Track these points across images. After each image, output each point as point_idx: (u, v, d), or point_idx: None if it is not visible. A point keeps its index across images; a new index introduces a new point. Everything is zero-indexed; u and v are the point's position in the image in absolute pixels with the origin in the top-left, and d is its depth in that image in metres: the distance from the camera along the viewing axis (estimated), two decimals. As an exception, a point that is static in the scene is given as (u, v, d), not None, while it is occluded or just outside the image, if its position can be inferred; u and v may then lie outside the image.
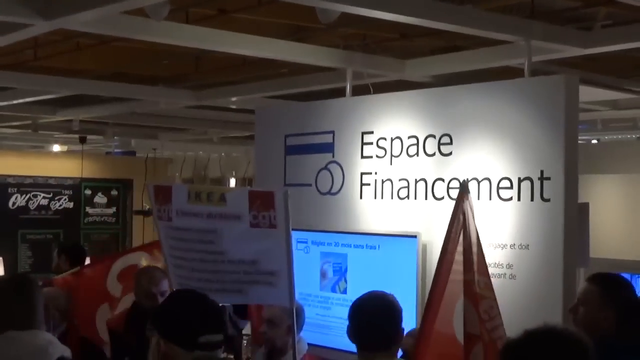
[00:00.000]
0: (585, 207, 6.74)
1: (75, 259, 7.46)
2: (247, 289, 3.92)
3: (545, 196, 4.62)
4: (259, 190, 4.01)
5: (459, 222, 3.89)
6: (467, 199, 3.93)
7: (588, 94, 6.74)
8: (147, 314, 3.14)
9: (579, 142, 10.34)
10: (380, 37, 6.09)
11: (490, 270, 4.80)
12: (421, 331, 3.88)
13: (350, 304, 3.56)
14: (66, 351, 3.58)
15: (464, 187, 4.04)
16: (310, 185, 5.92)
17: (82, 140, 12.07)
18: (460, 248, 3.86)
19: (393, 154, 5.42)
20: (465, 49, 5.81)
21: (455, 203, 4.05)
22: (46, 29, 4.73)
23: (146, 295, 4.97)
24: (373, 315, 3.46)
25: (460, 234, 3.89)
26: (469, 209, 3.88)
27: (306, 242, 5.77)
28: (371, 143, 5.55)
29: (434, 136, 5.18)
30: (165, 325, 2.82)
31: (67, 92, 7.89)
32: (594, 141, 10.77)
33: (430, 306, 3.94)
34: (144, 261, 5.85)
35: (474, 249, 3.83)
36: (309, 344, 5.43)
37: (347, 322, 3.53)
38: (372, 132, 5.56)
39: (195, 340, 2.73)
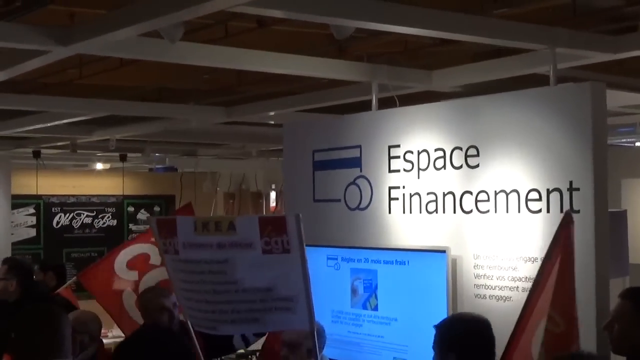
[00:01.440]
0: (622, 215, 6.60)
1: (61, 275, 8.24)
2: (263, 317, 3.83)
3: (575, 207, 4.49)
4: (269, 216, 3.94)
5: (559, 249, 3.89)
6: (571, 229, 3.92)
7: (624, 97, 6.59)
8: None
9: (620, 145, 10.20)
10: (422, 43, 6.03)
11: (520, 284, 4.72)
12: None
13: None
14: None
15: (567, 217, 4.00)
16: (339, 200, 5.86)
17: (123, 158, 12.18)
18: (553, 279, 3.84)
19: (420, 167, 5.34)
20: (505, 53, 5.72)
21: (560, 230, 4.00)
22: (64, 54, 4.74)
23: (160, 309, 5.00)
24: None
25: (557, 261, 3.86)
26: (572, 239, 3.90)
27: (336, 259, 5.71)
28: (398, 157, 5.48)
29: (460, 148, 5.08)
30: None
31: (100, 114, 7.95)
32: (638, 143, 10.52)
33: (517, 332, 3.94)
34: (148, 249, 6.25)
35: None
36: (340, 362, 5.38)
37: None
38: (398, 146, 5.48)
39: None
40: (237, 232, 3.75)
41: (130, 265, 6.56)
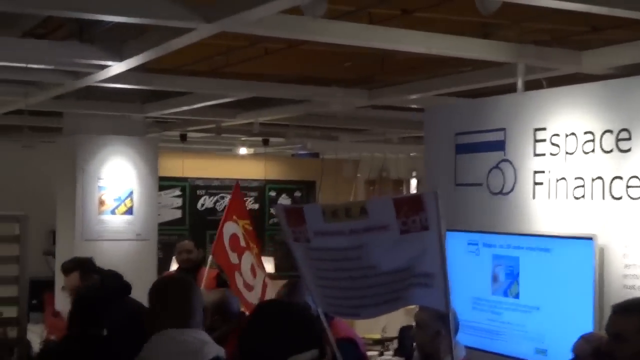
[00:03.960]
0: None
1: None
2: (405, 294, 3.73)
3: None
4: (403, 197, 3.81)
5: None
6: None
7: None
8: None
9: None
10: (569, 31, 5.79)
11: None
12: None
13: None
14: (221, 351, 3.57)
15: None
16: (481, 184, 5.71)
17: (265, 143, 12.34)
18: None
19: (567, 151, 5.12)
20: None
21: None
22: (209, 32, 4.78)
23: None
24: None
25: None
26: None
27: (477, 244, 5.57)
28: (544, 140, 5.27)
29: (611, 131, 4.84)
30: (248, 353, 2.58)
31: (244, 95, 8.06)
32: None
33: None
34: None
35: None
36: (479, 349, 5.23)
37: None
38: (544, 129, 5.27)
39: None
40: (370, 216, 3.65)
41: (231, 245, 6.84)
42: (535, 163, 5.32)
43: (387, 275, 3.75)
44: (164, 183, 11.96)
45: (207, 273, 7.31)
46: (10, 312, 5.19)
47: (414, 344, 4.72)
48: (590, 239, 4.82)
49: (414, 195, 3.72)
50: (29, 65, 5.86)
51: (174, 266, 9.86)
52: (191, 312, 3.54)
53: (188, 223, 13.16)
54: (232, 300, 5.20)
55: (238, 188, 7.97)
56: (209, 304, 4.87)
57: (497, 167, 5.59)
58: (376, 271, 3.76)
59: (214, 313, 4.88)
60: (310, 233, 3.84)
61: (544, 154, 5.27)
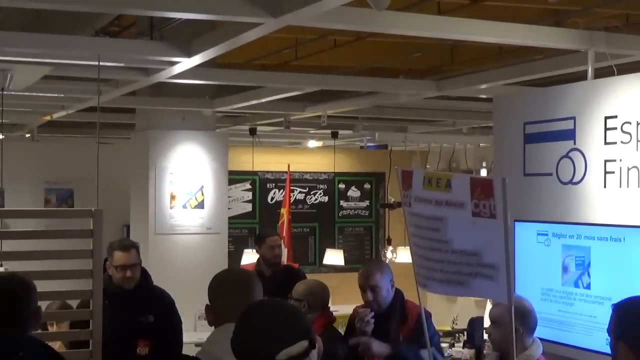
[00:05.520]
0: None
1: None
2: (468, 281, 3.77)
3: None
4: (479, 178, 3.86)
5: None
6: None
7: None
8: None
9: None
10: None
11: None
12: None
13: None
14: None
15: None
16: (550, 174, 5.64)
17: (334, 135, 12.37)
18: None
19: (639, 139, 5.03)
20: None
21: None
22: (275, 26, 4.83)
23: None
24: None
25: None
26: None
27: (547, 235, 5.51)
28: (615, 128, 5.19)
29: (683, 118, 4.75)
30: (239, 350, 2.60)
31: (313, 88, 8.10)
32: None
33: None
34: None
35: None
36: (549, 341, 5.18)
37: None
38: (616, 117, 5.19)
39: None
40: (452, 191, 3.72)
41: None
42: (606, 152, 5.24)
43: (457, 254, 3.83)
44: (234, 177, 12.07)
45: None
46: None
47: (485, 336, 4.72)
48: (662, 228, 4.74)
49: (487, 179, 3.77)
50: (102, 63, 6.00)
51: (245, 259, 9.97)
52: None
53: (258, 216, 13.27)
54: (318, 290, 5.24)
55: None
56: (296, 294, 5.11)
57: (567, 156, 5.53)
58: (448, 247, 3.87)
59: (301, 301, 5.02)
60: (412, 198, 3.97)
61: (615, 142, 5.19)
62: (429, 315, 4.81)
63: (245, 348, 2.54)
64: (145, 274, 5.80)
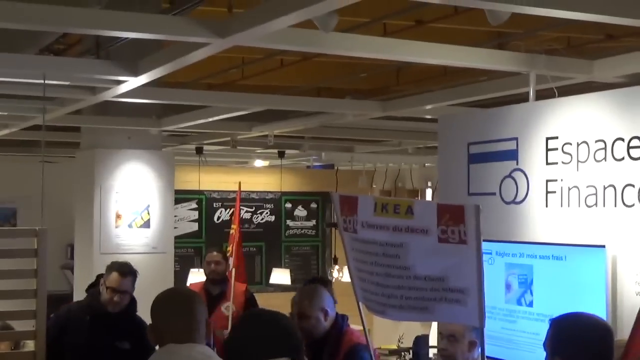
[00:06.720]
0: None
1: None
2: (433, 306, 3.72)
3: None
4: (448, 204, 3.76)
5: None
6: None
7: None
8: None
9: None
10: (585, 39, 5.83)
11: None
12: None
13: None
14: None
15: None
16: (494, 194, 5.74)
17: (281, 155, 12.41)
18: None
19: (579, 159, 5.15)
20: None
21: None
22: (222, 46, 4.85)
23: None
24: None
25: None
26: None
27: (490, 253, 5.58)
28: (556, 149, 5.31)
29: (622, 139, 4.87)
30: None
31: (259, 108, 8.13)
32: None
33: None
34: None
35: None
36: (493, 358, 5.25)
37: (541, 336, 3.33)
38: (557, 137, 5.31)
39: None
40: (415, 217, 3.65)
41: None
42: (548, 172, 5.35)
43: (420, 280, 3.73)
44: (180, 196, 12.04)
45: (234, 286, 7.24)
46: (28, 326, 5.24)
47: (430, 354, 4.73)
48: (602, 246, 4.85)
49: (457, 206, 3.66)
50: (47, 82, 5.95)
51: (191, 279, 9.92)
52: (193, 326, 3.44)
53: (204, 236, 13.23)
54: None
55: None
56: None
57: (509, 176, 5.63)
58: (409, 273, 3.76)
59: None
60: (359, 224, 3.89)
61: (556, 163, 5.30)
62: (366, 349, 4.61)
63: (234, 349, 2.67)
64: (132, 302, 5.66)
